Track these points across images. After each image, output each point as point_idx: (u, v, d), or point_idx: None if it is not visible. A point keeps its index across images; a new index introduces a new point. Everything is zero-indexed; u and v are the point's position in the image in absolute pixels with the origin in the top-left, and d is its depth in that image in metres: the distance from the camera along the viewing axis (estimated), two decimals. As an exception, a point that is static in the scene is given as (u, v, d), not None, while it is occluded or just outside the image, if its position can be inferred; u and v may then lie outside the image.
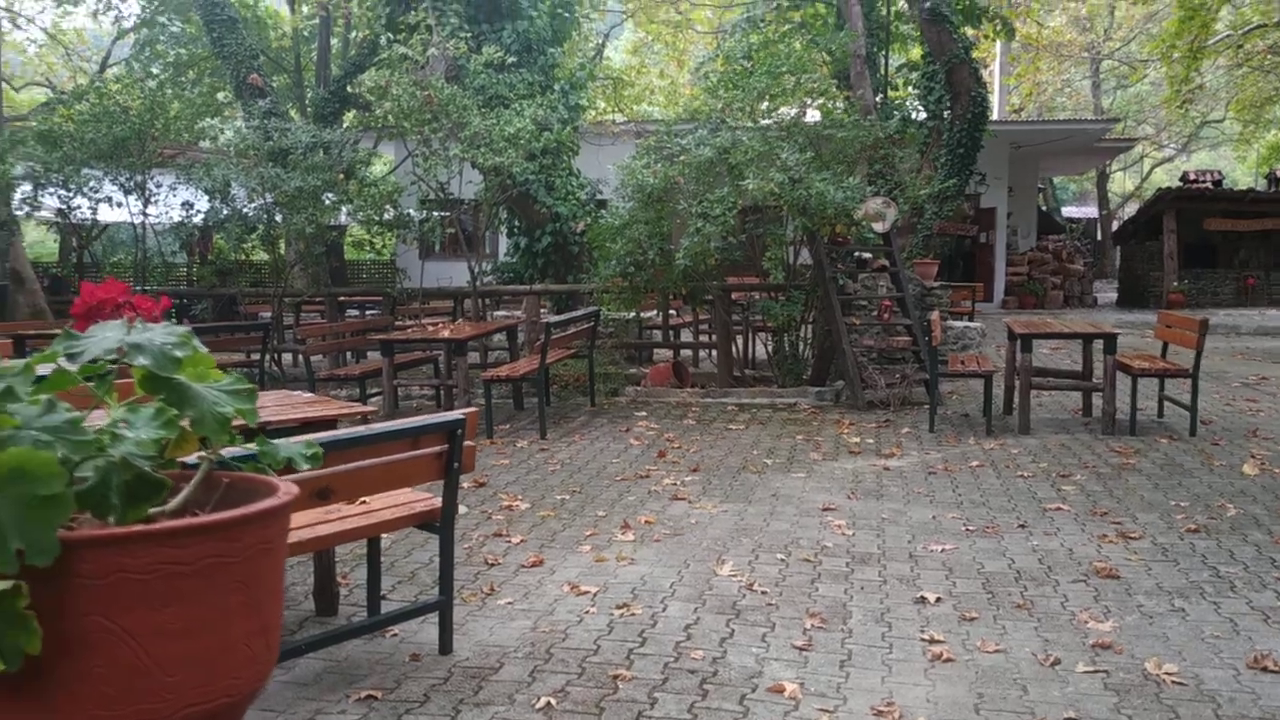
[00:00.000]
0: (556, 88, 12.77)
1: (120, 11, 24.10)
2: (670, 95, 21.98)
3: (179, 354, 1.17)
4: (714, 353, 11.82)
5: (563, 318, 9.90)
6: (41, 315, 14.17)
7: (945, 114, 15.27)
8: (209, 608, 1.05)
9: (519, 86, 11.84)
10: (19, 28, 26.77)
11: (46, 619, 0.93)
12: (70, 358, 1.14)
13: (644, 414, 9.70)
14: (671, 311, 12.95)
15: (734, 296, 11.45)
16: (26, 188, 12.23)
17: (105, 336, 1.16)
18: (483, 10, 12.68)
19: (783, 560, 5.16)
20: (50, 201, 12.52)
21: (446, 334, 9.03)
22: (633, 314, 11.82)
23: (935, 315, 9.35)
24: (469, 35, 11.88)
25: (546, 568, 5.10)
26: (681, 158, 10.14)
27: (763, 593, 4.66)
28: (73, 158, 11.67)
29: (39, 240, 25.39)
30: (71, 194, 12.14)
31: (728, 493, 6.62)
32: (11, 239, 14.74)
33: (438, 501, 4.09)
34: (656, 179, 10.03)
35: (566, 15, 13.42)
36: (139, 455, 1.06)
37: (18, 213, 13.53)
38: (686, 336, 13.39)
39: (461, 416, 3.93)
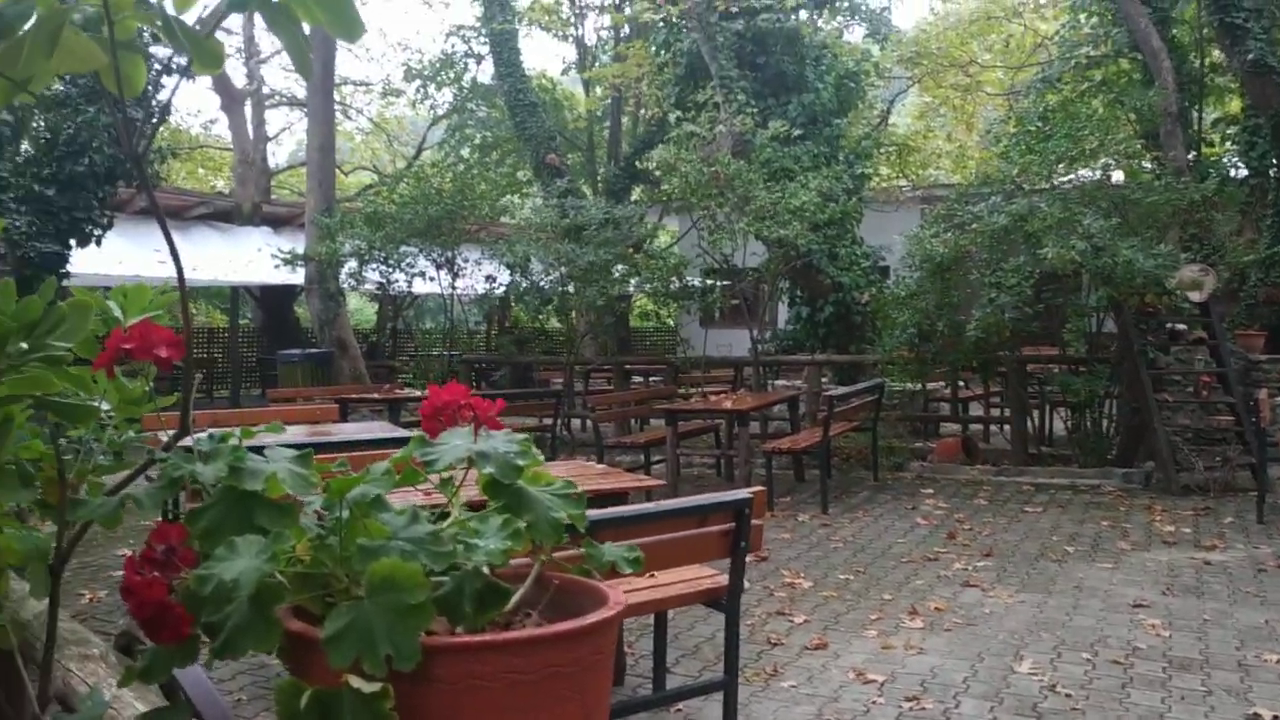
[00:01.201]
0: (841, 158, 12.75)
1: (435, 100, 26.40)
2: (958, 160, 21.40)
3: (520, 462, 1.23)
4: (1006, 428, 11.25)
5: (846, 390, 9.76)
6: (361, 379, 15.56)
7: (1272, 171, 13.94)
8: (545, 716, 1.08)
9: (804, 159, 11.92)
10: (349, 118, 29.91)
11: (406, 720, 1.00)
12: (427, 465, 1.23)
13: (931, 491, 9.35)
14: (960, 384, 12.48)
15: (1029, 369, 10.88)
16: (353, 264, 13.51)
17: (456, 445, 1.24)
18: (769, 86, 12.91)
19: (1089, 660, 4.78)
20: (372, 276, 13.76)
21: (729, 405, 9.11)
22: (919, 386, 11.48)
23: (1263, 393, 8.47)
24: (755, 110, 12.11)
25: (831, 651, 4.98)
26: (973, 226, 9.82)
27: (1067, 695, 4.33)
28: (393, 236, 12.79)
29: (358, 309, 27.96)
30: (391, 269, 13.30)
31: (1025, 581, 6.24)
32: (338, 309, 16.34)
33: (724, 579, 4.09)
34: (946, 249, 9.76)
35: (852, 85, 13.42)
36: (487, 564, 1.12)
37: (344, 286, 15.00)
38: (976, 410, 12.82)
39: (749, 495, 3.92)
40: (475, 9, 19.96)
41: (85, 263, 11.80)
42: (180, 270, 1.19)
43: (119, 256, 14.05)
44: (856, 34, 15.98)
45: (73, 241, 10.91)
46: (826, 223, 11.16)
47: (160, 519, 5.10)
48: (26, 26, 0.93)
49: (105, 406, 1.54)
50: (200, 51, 1.00)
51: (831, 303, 12.64)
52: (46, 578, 1.51)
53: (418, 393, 11.58)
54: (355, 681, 0.97)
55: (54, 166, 10.71)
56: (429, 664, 1.01)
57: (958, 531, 7.64)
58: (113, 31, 0.95)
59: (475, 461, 1.23)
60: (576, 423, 13.27)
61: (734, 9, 12.22)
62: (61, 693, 1.94)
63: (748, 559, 4.04)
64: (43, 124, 10.65)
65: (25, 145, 11.21)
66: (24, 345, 1.09)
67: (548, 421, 10.36)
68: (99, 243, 11.39)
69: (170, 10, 1.00)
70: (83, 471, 1.54)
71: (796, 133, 12.12)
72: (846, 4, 14.93)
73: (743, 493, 3.95)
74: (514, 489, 1.23)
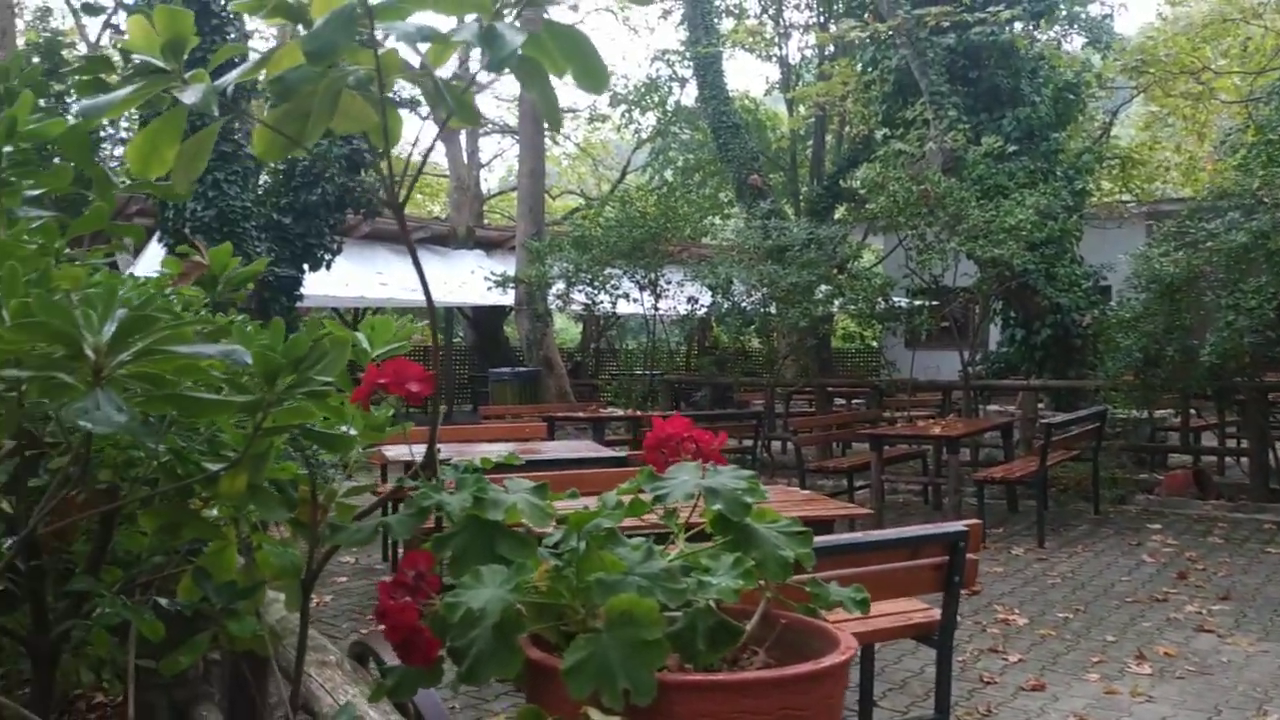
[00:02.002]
0: (1060, 173, 12.17)
1: (639, 124, 26.91)
2: (1188, 173, 20.04)
3: (748, 500, 1.23)
4: (1244, 460, 10.41)
5: (1065, 417, 9.28)
6: (566, 398, 15.97)
7: None
8: (776, 759, 1.07)
9: (1020, 175, 11.43)
10: (557, 144, 30.87)
11: (638, 756, 1.01)
12: (657, 499, 1.24)
13: (1158, 526, 8.76)
14: (1192, 412, 11.65)
15: (1271, 397, 10.05)
16: (560, 285, 13.90)
17: (684, 480, 1.25)
18: (982, 100, 12.49)
19: (1347, 721, 4.36)
20: (578, 297, 14.13)
21: (938, 430, 8.83)
22: (1145, 414, 10.79)
23: None
24: (968, 126, 11.73)
25: (1049, 693, 4.74)
26: (1208, 244, 9.18)
27: (1322, 760, 3.96)
28: (599, 259, 13.09)
29: (562, 328, 28.73)
30: (596, 291, 13.61)
31: (1269, 628, 5.75)
32: (545, 329, 16.85)
33: (935, 613, 3.96)
34: (1177, 268, 9.17)
35: (1071, 97, 12.80)
36: (719, 601, 1.12)
37: (552, 307, 15.46)
38: (1210, 441, 11.94)
39: (964, 529, 3.80)
40: (680, 33, 20.23)
41: (315, 285, 12.63)
42: (434, 315, 1.25)
43: (345, 279, 14.96)
44: (1076, 43, 15.22)
45: (306, 266, 11.70)
46: (1044, 241, 10.67)
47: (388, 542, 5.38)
48: (305, 90, 1.01)
49: (353, 432, 1.64)
50: (462, 108, 1.06)
51: (1049, 325, 12.06)
52: (298, 592, 1.62)
53: (620, 412, 11.80)
54: (594, 714, 0.99)
55: (291, 196, 11.54)
56: (665, 700, 1.01)
57: (1189, 571, 7.13)
58: (383, 93, 1.02)
59: (704, 497, 1.23)
60: (776, 444, 13.18)
61: (945, 23, 11.89)
62: (303, 698, 2.07)
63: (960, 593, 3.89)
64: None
65: (265, 177, 12.13)
66: (291, 379, 1.17)
67: (748, 442, 10.32)
68: (329, 266, 12.17)
69: (420, 67, 1.06)
70: (331, 493, 1.65)
71: (1011, 148, 11.65)
72: (1065, 13, 14.23)
73: (957, 525, 3.82)
74: (742, 526, 1.23)
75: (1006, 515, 9.46)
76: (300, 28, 1.09)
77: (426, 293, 1.23)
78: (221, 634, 1.50)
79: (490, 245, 20.93)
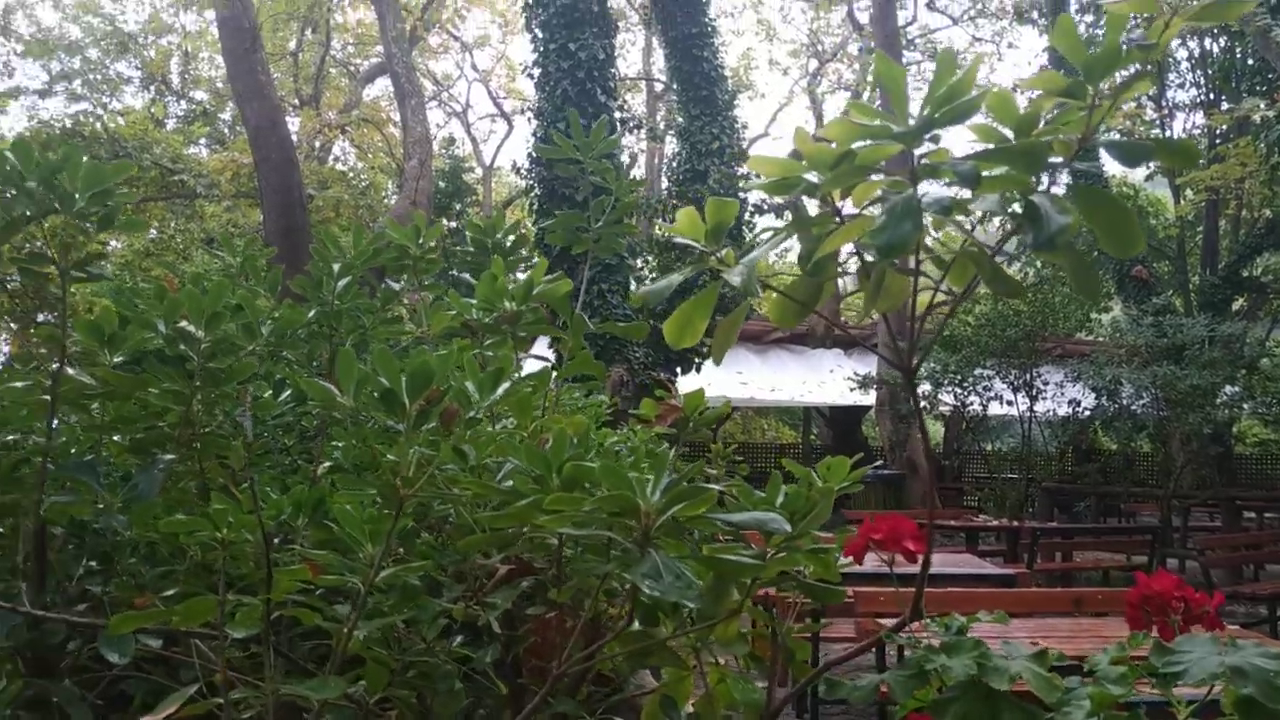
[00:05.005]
0: None
1: (1006, 216, 25.90)
2: None
3: (1284, 685, 1.11)
4: None
5: None
6: (930, 502, 15.41)
7: None
8: None
9: None
10: (918, 240, 30.34)
11: None
12: (1169, 677, 1.16)
13: None
14: None
15: None
16: (927, 386, 13.54)
17: (1204, 657, 1.16)
18: None
19: None
20: (946, 398, 13.67)
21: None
22: None
23: None
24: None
25: None
26: None
27: None
28: (969, 359, 12.64)
29: (924, 426, 27.81)
30: (965, 392, 13.12)
31: None
32: (909, 431, 16.43)
33: None
34: None
35: None
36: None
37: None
38: None
39: None
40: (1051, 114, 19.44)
41: (682, 384, 13.19)
42: (930, 457, 1.26)
43: (708, 378, 15.46)
44: None
45: (679, 369, 12.26)
46: None
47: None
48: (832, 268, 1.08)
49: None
50: (1008, 281, 1.07)
51: None
52: (758, 726, 1.65)
53: (993, 521, 11.19)
54: None
55: (666, 304, 12.19)
56: None
57: None
58: (918, 264, 1.06)
59: (1231, 679, 1.13)
60: (1173, 562, 11.92)
61: (1372, 94, 10.62)
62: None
63: None
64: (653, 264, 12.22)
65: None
66: (790, 534, 1.22)
67: (1139, 559, 9.43)
68: (698, 369, 12.66)
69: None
70: (789, 630, 1.68)
71: None
72: None
73: None
74: (1275, 713, 1.12)
75: None
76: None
77: (923, 434, 1.23)
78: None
79: (849, 344, 20.84)
